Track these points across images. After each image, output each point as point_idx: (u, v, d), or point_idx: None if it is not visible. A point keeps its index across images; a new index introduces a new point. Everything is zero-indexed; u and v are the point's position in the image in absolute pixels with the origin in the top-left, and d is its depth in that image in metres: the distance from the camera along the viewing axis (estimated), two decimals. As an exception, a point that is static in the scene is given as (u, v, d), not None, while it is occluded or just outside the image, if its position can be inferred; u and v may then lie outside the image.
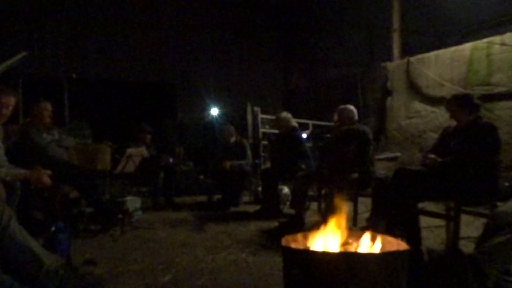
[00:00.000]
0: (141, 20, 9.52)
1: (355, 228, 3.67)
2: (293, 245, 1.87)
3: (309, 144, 5.84)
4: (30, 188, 3.23)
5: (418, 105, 6.44)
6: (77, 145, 5.05)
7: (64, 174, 3.69)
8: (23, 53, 4.22)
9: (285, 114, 5.14)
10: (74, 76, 7.47)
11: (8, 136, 3.48)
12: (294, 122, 5.07)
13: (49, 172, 3.01)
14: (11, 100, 2.89)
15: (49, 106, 4.01)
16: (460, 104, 3.02)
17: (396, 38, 7.06)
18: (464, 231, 3.54)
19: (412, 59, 6.56)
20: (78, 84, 7.89)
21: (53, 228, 2.79)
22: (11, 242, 2.00)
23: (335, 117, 4.23)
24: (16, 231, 2.03)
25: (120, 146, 5.05)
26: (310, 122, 7.65)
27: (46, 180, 2.98)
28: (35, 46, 8.37)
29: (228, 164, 5.41)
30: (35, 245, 2.11)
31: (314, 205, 4.63)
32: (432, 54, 6.26)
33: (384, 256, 1.69)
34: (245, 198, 5.95)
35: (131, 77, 9.52)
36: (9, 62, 4.48)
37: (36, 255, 2.05)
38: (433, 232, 3.67)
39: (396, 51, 7.05)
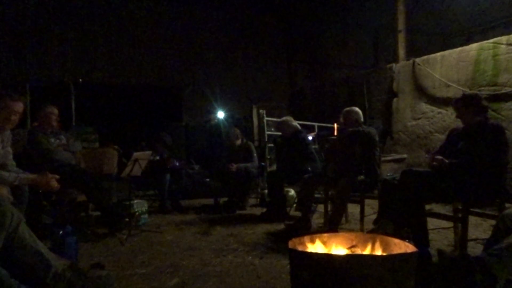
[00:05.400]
0: (147, 24, 9.57)
1: (362, 231, 3.66)
2: (300, 248, 1.87)
3: (315, 146, 5.84)
4: (38, 192, 3.26)
5: (424, 106, 6.40)
6: (84, 149, 5.08)
7: (71, 178, 3.71)
8: None
9: (285, 118, 5.16)
10: (80, 80, 7.53)
11: (16, 141, 3.51)
12: (295, 124, 5.07)
13: (56, 176, 3.04)
14: (20, 107, 2.92)
15: (55, 111, 4.05)
16: (468, 104, 3.00)
17: (401, 39, 7.03)
18: (472, 233, 3.52)
19: (418, 60, 6.53)
20: (84, 89, 7.97)
21: (61, 232, 2.82)
22: (20, 245, 2.02)
23: (341, 119, 4.22)
24: (25, 234, 2.05)
25: (128, 148, 5.07)
26: (315, 124, 7.64)
27: (54, 184, 3.01)
28: (41, 51, 8.45)
29: (234, 166, 5.42)
30: (43, 248, 2.12)
31: (320, 207, 4.61)
32: (438, 55, 6.23)
33: (391, 258, 1.69)
34: (252, 200, 5.95)
35: (137, 81, 9.56)
36: None
37: (44, 258, 2.07)
38: (441, 234, 3.65)
39: (401, 52, 7.02)
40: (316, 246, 1.93)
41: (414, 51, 7.01)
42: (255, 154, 5.76)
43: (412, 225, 2.73)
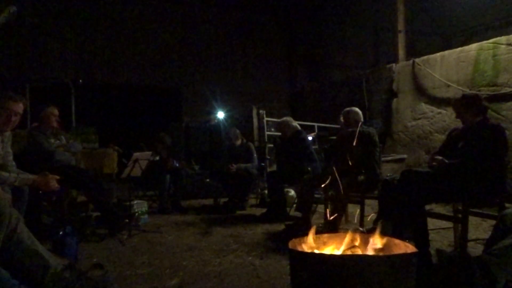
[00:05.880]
0: (146, 25, 9.58)
1: (362, 231, 3.65)
2: (300, 248, 1.87)
3: (315, 147, 5.84)
4: (38, 193, 3.26)
5: (424, 107, 6.41)
6: (84, 149, 5.08)
7: (71, 179, 3.71)
8: (13, 8, 4.04)
9: (285, 119, 5.16)
10: (80, 81, 7.53)
11: (16, 142, 3.51)
12: (295, 124, 5.07)
13: (56, 176, 3.04)
14: (20, 108, 2.92)
15: (55, 111, 4.04)
16: (467, 104, 3.00)
17: (401, 40, 7.04)
18: (472, 233, 3.53)
19: (418, 60, 6.53)
20: (84, 89, 7.97)
21: (61, 232, 2.82)
22: (18, 245, 2.02)
23: (341, 119, 4.22)
24: (23, 235, 2.05)
25: (128, 149, 5.07)
26: (315, 124, 7.64)
27: (54, 184, 3.01)
28: (42, 51, 8.45)
29: (234, 167, 5.42)
30: (42, 248, 2.12)
31: (320, 208, 4.61)
32: (438, 55, 6.23)
33: (391, 259, 1.69)
34: (252, 201, 5.94)
35: (137, 82, 9.57)
36: None
37: (42, 258, 2.07)
38: (440, 234, 3.64)
39: (401, 52, 7.03)
40: (316, 247, 1.93)
41: (414, 51, 7.02)
42: (255, 155, 5.76)
43: (412, 225, 2.73)
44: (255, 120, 7.24)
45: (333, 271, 1.60)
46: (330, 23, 10.01)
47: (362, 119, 4.06)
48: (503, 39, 5.36)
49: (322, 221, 4.38)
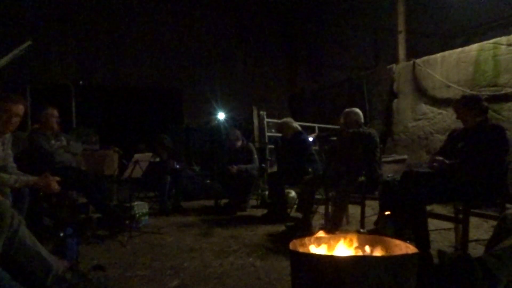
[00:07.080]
0: (147, 26, 9.59)
1: (363, 232, 3.65)
2: (301, 249, 1.87)
3: (315, 147, 5.83)
4: (39, 195, 3.26)
5: (425, 107, 6.40)
6: (85, 151, 5.08)
7: (72, 180, 3.71)
8: (29, 42, 4.13)
9: (286, 120, 5.17)
10: (81, 82, 7.56)
11: (16, 143, 3.51)
12: (296, 125, 5.07)
13: (57, 178, 3.04)
14: (21, 109, 2.92)
15: (56, 113, 4.04)
16: (468, 105, 3.00)
17: (401, 40, 7.04)
18: (473, 233, 3.52)
19: (418, 61, 6.53)
20: (85, 90, 7.99)
21: (61, 234, 2.81)
22: (20, 247, 2.02)
23: (341, 120, 4.22)
24: (25, 237, 2.05)
25: (128, 151, 5.07)
26: (316, 125, 7.64)
27: (55, 186, 3.01)
28: (42, 53, 8.46)
29: (234, 168, 5.42)
30: (44, 250, 2.12)
31: (321, 209, 4.61)
32: (438, 55, 6.23)
33: (392, 260, 1.68)
34: (252, 202, 5.94)
35: (137, 83, 9.58)
36: (15, 51, 4.45)
37: (44, 260, 2.07)
38: (442, 235, 3.64)
39: (401, 53, 7.03)
40: (317, 248, 1.93)
41: (414, 52, 7.01)
42: (255, 156, 5.75)
43: (413, 226, 2.73)
44: (255, 121, 7.24)
45: (334, 272, 1.60)
46: (330, 24, 10.02)
47: (362, 120, 4.06)
48: (503, 39, 5.36)
49: (323, 222, 4.38)
